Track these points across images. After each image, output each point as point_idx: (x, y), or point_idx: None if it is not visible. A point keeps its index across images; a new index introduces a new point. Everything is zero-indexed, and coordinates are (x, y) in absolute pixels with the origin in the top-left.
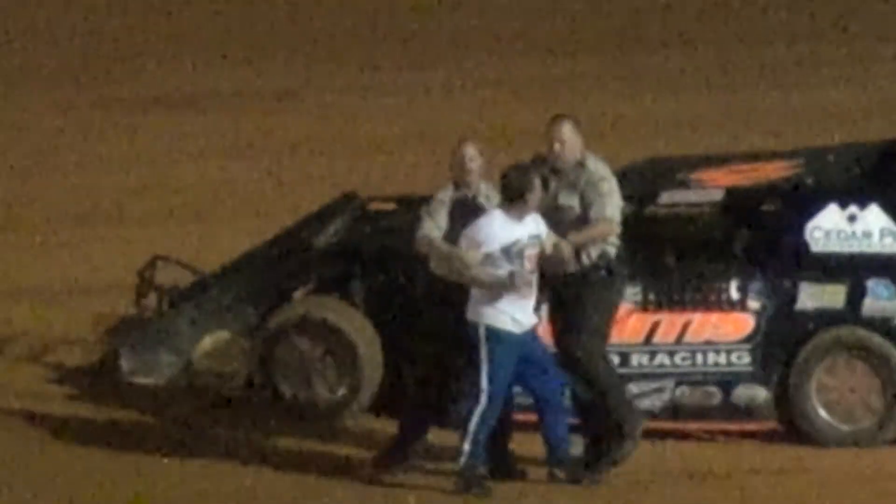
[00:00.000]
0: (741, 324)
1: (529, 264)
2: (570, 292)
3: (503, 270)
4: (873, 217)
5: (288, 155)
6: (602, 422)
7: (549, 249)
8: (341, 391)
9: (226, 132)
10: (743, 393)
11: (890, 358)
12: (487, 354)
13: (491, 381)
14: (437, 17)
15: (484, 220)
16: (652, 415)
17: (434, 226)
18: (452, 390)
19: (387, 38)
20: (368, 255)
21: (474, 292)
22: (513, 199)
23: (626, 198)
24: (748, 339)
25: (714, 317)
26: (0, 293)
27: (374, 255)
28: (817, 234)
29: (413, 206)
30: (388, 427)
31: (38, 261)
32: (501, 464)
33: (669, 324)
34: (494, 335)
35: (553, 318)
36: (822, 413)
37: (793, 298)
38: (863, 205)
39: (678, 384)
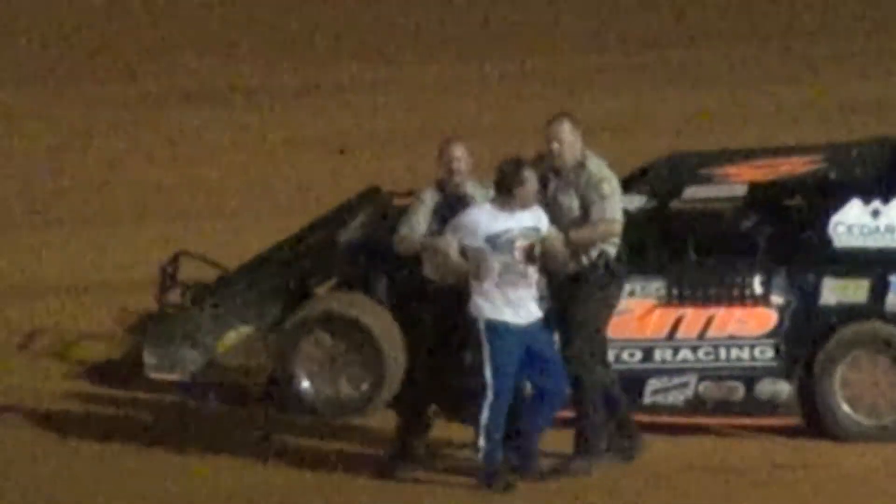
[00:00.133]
0: (764, 319)
1: (519, 256)
2: (569, 292)
3: (493, 261)
4: None
5: (312, 150)
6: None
7: (537, 247)
8: (364, 387)
9: (249, 128)
10: (766, 388)
11: None
12: (489, 349)
13: (494, 374)
14: (457, 12)
15: (471, 209)
16: (675, 409)
17: (410, 226)
18: (470, 386)
19: (407, 33)
20: (392, 250)
21: (473, 287)
22: (502, 191)
23: (650, 193)
24: (771, 334)
25: (737, 312)
26: (24, 289)
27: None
28: (840, 229)
29: None
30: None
31: (62, 257)
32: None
33: (693, 319)
34: (493, 329)
35: (556, 318)
36: (845, 408)
37: (816, 293)
38: (886, 200)
39: (701, 379)
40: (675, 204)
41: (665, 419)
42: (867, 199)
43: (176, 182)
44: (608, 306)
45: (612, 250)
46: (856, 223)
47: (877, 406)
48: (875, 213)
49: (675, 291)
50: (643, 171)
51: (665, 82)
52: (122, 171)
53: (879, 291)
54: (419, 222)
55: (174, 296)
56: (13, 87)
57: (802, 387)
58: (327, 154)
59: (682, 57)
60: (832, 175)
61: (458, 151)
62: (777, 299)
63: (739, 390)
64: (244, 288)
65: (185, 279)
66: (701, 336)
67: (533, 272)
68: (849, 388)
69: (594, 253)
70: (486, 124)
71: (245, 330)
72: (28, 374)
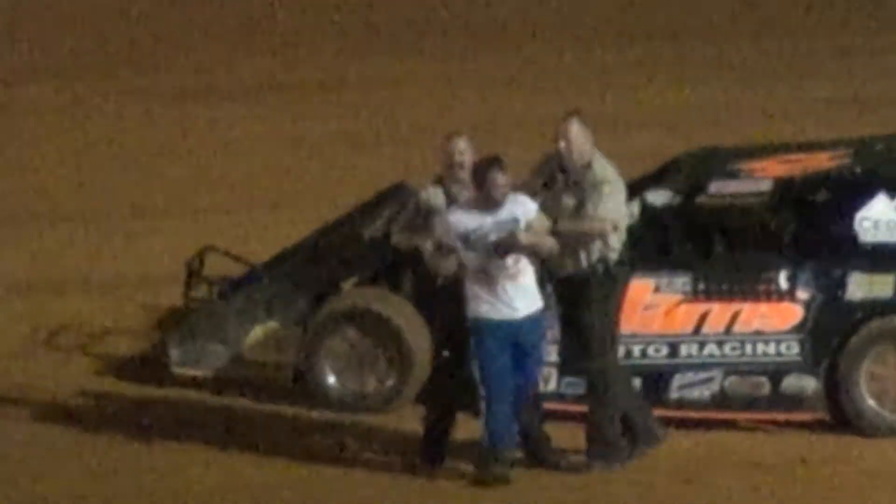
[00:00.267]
0: (790, 314)
1: (493, 251)
2: (570, 294)
3: (468, 259)
4: None
5: (337, 146)
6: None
7: (521, 238)
8: (390, 382)
9: (277, 123)
10: (792, 383)
11: None
12: (475, 346)
13: (483, 371)
14: (480, 7)
15: (448, 209)
16: (701, 405)
17: (408, 223)
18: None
19: (430, 28)
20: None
21: (465, 286)
22: (476, 189)
23: (676, 188)
24: (797, 329)
25: (763, 307)
26: (50, 284)
27: None
28: (866, 223)
29: None
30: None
31: (88, 252)
32: (537, 452)
33: (719, 314)
34: (478, 326)
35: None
36: (871, 403)
37: (842, 288)
38: None
39: (727, 374)
40: (700, 199)
41: (691, 414)
42: (893, 194)
43: (202, 177)
44: (610, 309)
45: (612, 255)
46: (882, 218)
47: None
48: None
49: (701, 286)
50: (669, 166)
51: (695, 77)
52: (149, 166)
53: None
54: (418, 219)
55: (200, 291)
56: (42, 81)
57: (828, 382)
58: (353, 149)
59: (707, 51)
60: (858, 170)
61: (462, 144)
62: (803, 294)
63: (765, 385)
64: (270, 283)
65: (210, 275)
66: (727, 331)
67: (517, 265)
68: (874, 382)
69: (594, 256)
70: (511, 119)
71: (271, 325)
72: (53, 369)
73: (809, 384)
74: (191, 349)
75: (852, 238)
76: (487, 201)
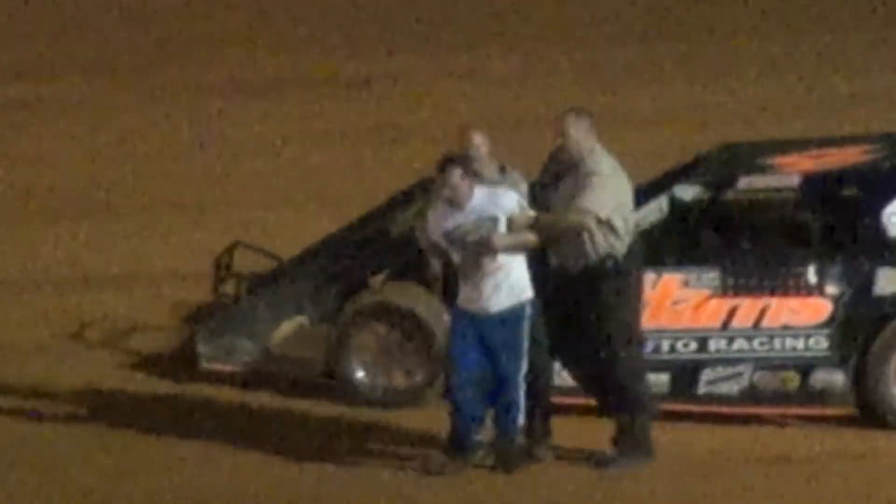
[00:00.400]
0: (819, 309)
1: (471, 248)
2: (579, 291)
3: (453, 256)
4: None
5: (366, 141)
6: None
7: (497, 242)
8: (418, 377)
9: (305, 118)
10: (820, 378)
11: None
12: (449, 333)
13: (448, 356)
14: (506, 2)
15: (432, 209)
16: (730, 399)
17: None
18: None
19: (464, 23)
20: None
21: None
22: None
23: (704, 183)
24: (826, 324)
25: (792, 302)
26: (78, 279)
27: None
28: (895, 219)
29: None
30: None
31: (116, 247)
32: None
33: (747, 309)
34: (454, 314)
35: (564, 318)
36: None
37: (870, 283)
38: None
39: (756, 369)
40: (729, 194)
41: (719, 409)
42: None
43: (230, 173)
44: (629, 306)
45: (620, 248)
46: None
47: None
48: None
49: (729, 281)
50: (698, 162)
51: (724, 73)
52: (176, 162)
53: None
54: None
55: (229, 286)
56: (67, 77)
57: (857, 376)
58: (381, 145)
59: (736, 48)
60: (886, 165)
61: (476, 139)
62: (831, 289)
63: (794, 380)
64: (299, 278)
65: (239, 270)
66: (755, 326)
67: (493, 263)
68: None
69: (600, 251)
70: (536, 115)
71: (299, 320)
72: (81, 365)
73: (838, 379)
74: (220, 344)
75: (881, 233)
76: (452, 202)
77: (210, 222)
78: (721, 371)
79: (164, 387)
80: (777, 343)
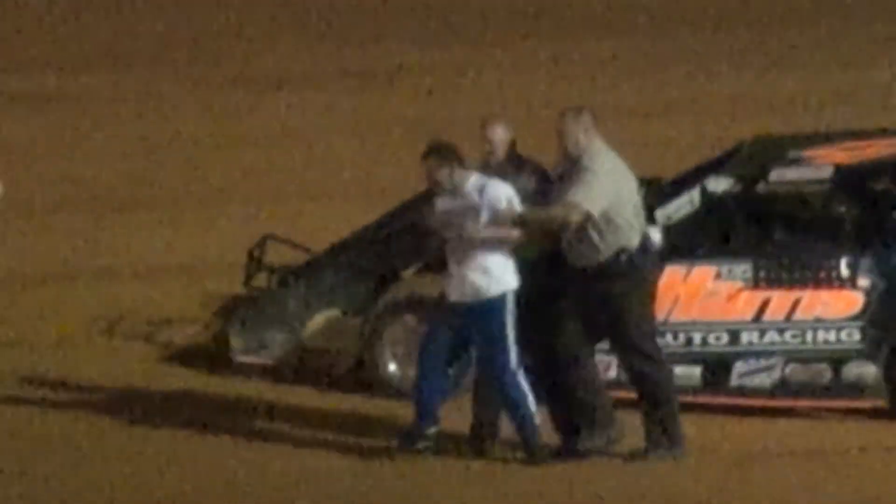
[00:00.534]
0: (851, 301)
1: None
2: (594, 287)
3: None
4: None
5: (397, 133)
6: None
7: (472, 233)
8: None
9: (336, 111)
10: (853, 370)
11: None
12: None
13: (422, 343)
14: None
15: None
16: (762, 392)
17: None
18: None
19: (494, 15)
20: None
21: None
22: None
23: (736, 176)
24: (858, 317)
25: (824, 294)
26: (111, 272)
27: None
28: None
29: None
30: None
31: (150, 240)
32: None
33: (779, 301)
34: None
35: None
36: None
37: None
38: None
39: (788, 362)
40: (761, 186)
41: (751, 402)
42: None
43: (263, 165)
44: (645, 301)
45: (633, 242)
46: None
47: None
48: None
49: (761, 274)
50: (730, 154)
51: (757, 65)
52: (210, 155)
53: None
54: None
55: (261, 279)
56: (102, 70)
57: (889, 369)
58: (414, 137)
59: (769, 39)
60: None
61: (490, 131)
62: (863, 282)
63: (826, 373)
64: (331, 271)
65: (272, 263)
66: (787, 318)
67: (472, 252)
68: None
69: (612, 247)
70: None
71: (332, 313)
72: (114, 358)
73: (870, 371)
74: (252, 337)
75: None
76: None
77: (242, 215)
78: (753, 364)
79: (196, 379)
80: (809, 336)
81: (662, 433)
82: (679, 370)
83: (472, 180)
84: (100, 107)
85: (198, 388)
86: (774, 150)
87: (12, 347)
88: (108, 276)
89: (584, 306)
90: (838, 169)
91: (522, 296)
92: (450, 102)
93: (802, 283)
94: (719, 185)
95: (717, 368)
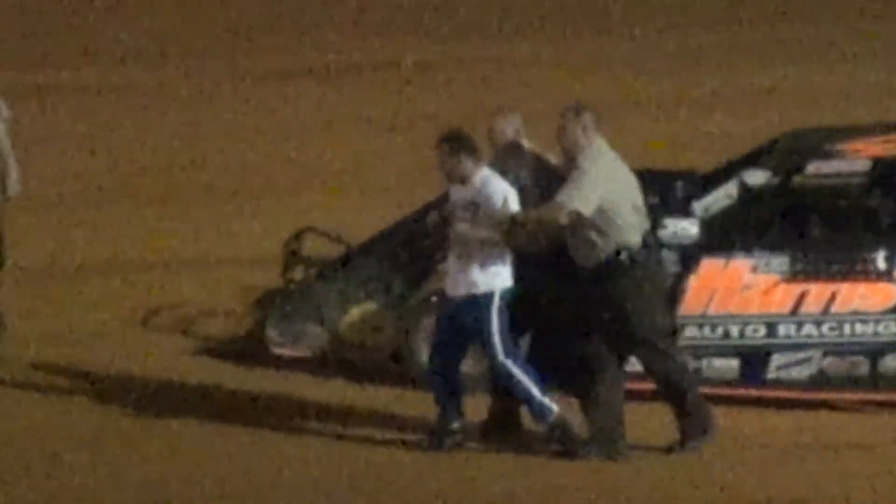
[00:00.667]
0: (888, 294)
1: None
2: (598, 286)
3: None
4: None
5: (429, 127)
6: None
7: (464, 232)
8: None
9: (369, 104)
10: (890, 363)
11: None
12: None
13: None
14: None
15: None
16: (799, 385)
17: None
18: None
19: (524, 10)
20: None
21: None
22: None
23: (773, 169)
24: (895, 309)
25: (861, 287)
26: (147, 265)
27: None
28: None
29: None
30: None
31: (185, 233)
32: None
33: (816, 294)
34: None
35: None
36: None
37: None
38: None
39: (825, 354)
40: (798, 179)
41: (788, 394)
42: None
43: (301, 157)
44: (649, 297)
45: (633, 240)
46: None
47: None
48: None
49: (798, 267)
50: (767, 147)
51: (792, 58)
52: (245, 147)
53: None
54: None
55: (298, 272)
56: (133, 63)
57: None
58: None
59: (805, 33)
60: None
61: (494, 124)
62: None
63: (863, 365)
64: (368, 264)
65: (308, 255)
66: (825, 311)
67: (466, 248)
68: None
69: (611, 245)
70: (600, 101)
71: (369, 306)
72: (150, 350)
73: None
74: (289, 330)
75: None
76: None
77: (278, 207)
78: (790, 356)
79: (232, 373)
80: (846, 328)
81: (693, 423)
82: (717, 363)
83: (480, 174)
84: (138, 99)
85: (234, 381)
86: (812, 143)
87: (49, 340)
88: (145, 269)
89: (587, 304)
90: (875, 162)
91: (527, 293)
92: (482, 97)
93: (840, 276)
94: (756, 178)
95: (754, 361)
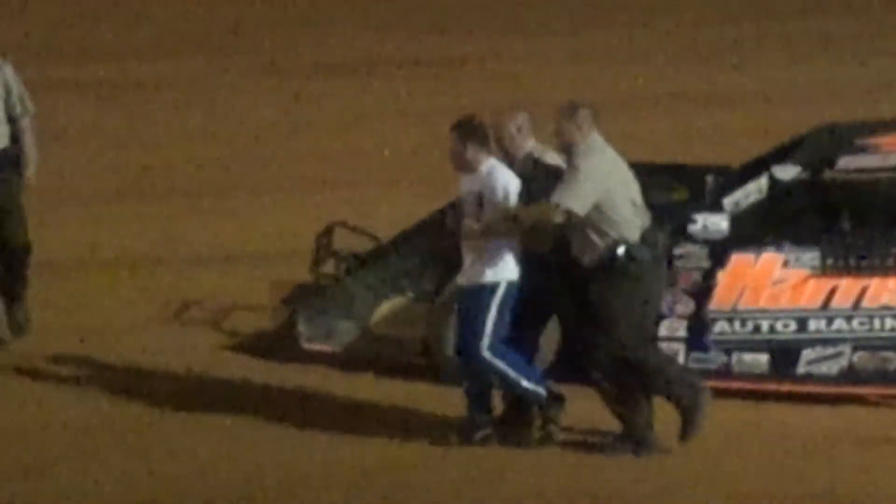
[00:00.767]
0: None
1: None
2: (593, 282)
3: None
4: None
5: None
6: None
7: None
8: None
9: (400, 98)
10: None
11: None
12: None
13: None
14: None
15: None
16: (829, 379)
17: None
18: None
19: (558, 4)
20: None
21: None
22: None
23: (804, 163)
24: None
25: (891, 282)
26: (178, 259)
27: None
28: None
29: None
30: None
31: (215, 227)
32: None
33: (847, 289)
34: None
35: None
36: None
37: None
38: None
39: (856, 349)
40: (829, 174)
41: (819, 389)
42: None
43: (331, 152)
44: (641, 295)
45: (631, 236)
46: None
47: None
48: None
49: (829, 262)
50: (798, 142)
51: (825, 52)
52: (279, 142)
53: None
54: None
55: (328, 267)
56: (164, 58)
57: None
58: None
59: (837, 26)
60: None
61: (501, 120)
62: None
63: (894, 360)
64: (398, 258)
65: (339, 250)
66: (855, 306)
67: (469, 241)
68: None
69: (607, 241)
70: (637, 95)
71: (399, 301)
72: (181, 344)
73: None
74: (320, 324)
75: None
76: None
77: (310, 202)
78: (821, 351)
79: (263, 367)
80: (877, 323)
81: (689, 419)
82: (746, 357)
83: (487, 165)
84: (168, 94)
85: (264, 376)
86: (842, 137)
87: (79, 334)
88: (176, 264)
89: (581, 297)
90: None
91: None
92: (513, 91)
93: (870, 271)
94: (787, 173)
95: (784, 356)
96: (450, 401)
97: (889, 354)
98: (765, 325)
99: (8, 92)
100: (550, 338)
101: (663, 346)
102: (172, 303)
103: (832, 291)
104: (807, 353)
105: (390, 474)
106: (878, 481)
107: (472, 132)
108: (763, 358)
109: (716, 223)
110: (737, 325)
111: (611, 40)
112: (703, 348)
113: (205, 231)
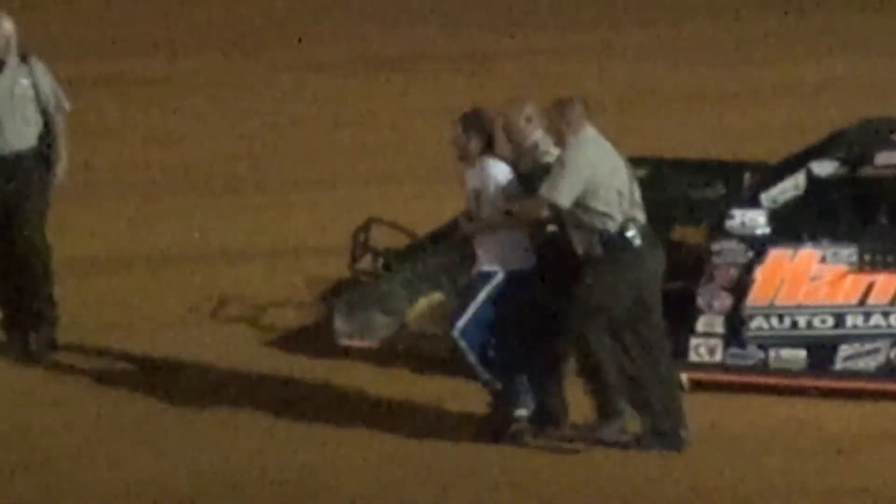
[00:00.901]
0: None
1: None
2: (580, 272)
3: None
4: None
5: None
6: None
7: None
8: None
9: (435, 94)
10: None
11: None
12: None
13: None
14: None
15: None
16: (866, 375)
17: None
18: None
19: (590, 1)
20: None
21: None
22: None
23: (841, 159)
24: None
25: None
26: (214, 255)
27: None
28: None
29: None
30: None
31: (252, 223)
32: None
33: (884, 285)
34: None
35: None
36: None
37: None
38: None
39: (893, 345)
40: (866, 170)
41: (856, 385)
42: None
43: (368, 148)
44: (616, 283)
45: (611, 226)
46: None
47: None
48: None
49: (866, 258)
50: (835, 137)
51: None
52: (315, 137)
53: None
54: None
55: (366, 262)
56: (199, 55)
57: None
58: None
59: (871, 22)
60: None
61: (504, 115)
62: None
63: None
64: (434, 255)
65: (376, 246)
66: (893, 302)
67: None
68: None
69: (595, 232)
70: (661, 91)
71: (436, 297)
72: (218, 341)
73: None
74: (356, 320)
75: None
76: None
77: (347, 198)
78: (858, 347)
79: (299, 363)
80: None
81: (607, 410)
82: (784, 353)
83: (483, 161)
84: (203, 89)
85: (301, 372)
86: (880, 133)
87: (116, 330)
88: (213, 259)
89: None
90: None
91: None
92: (547, 87)
93: None
94: (824, 168)
95: (821, 352)
96: (483, 397)
97: None
98: (802, 320)
99: (36, 90)
100: None
101: (700, 342)
102: (209, 299)
103: (869, 287)
104: (844, 349)
105: (426, 471)
106: None
107: (474, 123)
108: (800, 354)
109: (753, 219)
110: (774, 320)
111: (641, 36)
112: (741, 344)
113: (242, 226)
